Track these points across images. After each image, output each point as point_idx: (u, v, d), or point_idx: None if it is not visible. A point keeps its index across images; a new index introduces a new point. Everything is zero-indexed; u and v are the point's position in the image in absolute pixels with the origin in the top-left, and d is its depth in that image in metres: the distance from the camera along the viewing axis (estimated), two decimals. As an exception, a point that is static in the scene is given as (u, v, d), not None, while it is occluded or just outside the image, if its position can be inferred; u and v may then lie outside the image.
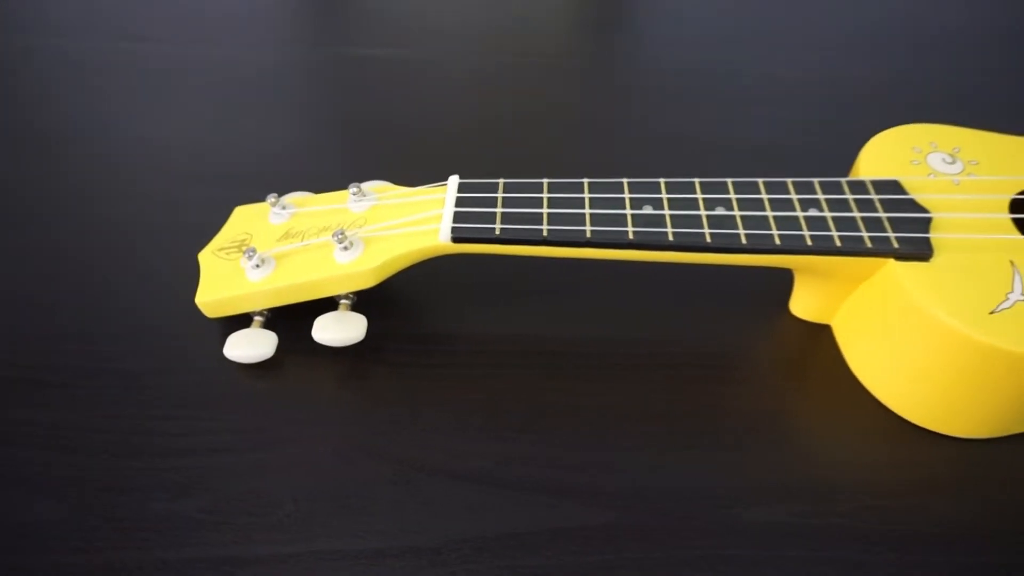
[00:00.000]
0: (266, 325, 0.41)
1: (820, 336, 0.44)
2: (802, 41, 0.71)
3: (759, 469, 0.38)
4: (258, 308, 0.41)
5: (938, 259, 0.37)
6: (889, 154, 0.43)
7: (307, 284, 0.40)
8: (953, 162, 0.43)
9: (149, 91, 0.62)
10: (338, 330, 0.39)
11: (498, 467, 0.38)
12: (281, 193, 0.44)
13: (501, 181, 0.41)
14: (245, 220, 0.44)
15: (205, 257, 0.42)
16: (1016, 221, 0.39)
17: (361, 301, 0.42)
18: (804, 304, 0.44)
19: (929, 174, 0.42)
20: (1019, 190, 0.41)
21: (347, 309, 0.40)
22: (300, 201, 0.44)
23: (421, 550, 0.35)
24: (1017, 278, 0.36)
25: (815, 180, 0.41)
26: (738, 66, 0.67)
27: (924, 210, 0.39)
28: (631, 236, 0.38)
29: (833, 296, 0.42)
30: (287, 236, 0.42)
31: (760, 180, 0.41)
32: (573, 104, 0.63)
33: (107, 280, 0.46)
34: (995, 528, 0.36)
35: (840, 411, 0.41)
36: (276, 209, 0.43)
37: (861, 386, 0.41)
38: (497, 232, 0.39)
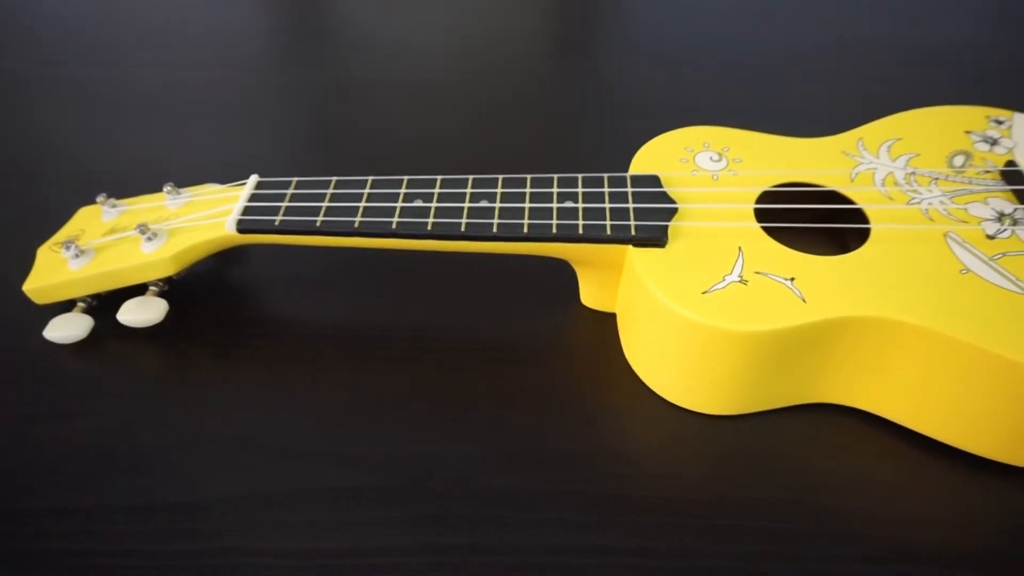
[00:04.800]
0: (92, 312, 0.46)
1: (607, 323, 0.47)
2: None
3: (522, 442, 0.41)
4: (79, 295, 0.45)
5: (672, 245, 0.40)
6: (663, 153, 0.46)
7: (116, 272, 0.44)
8: (719, 160, 0.46)
9: (57, 108, 0.68)
10: (138, 312, 0.43)
11: (269, 435, 0.41)
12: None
13: (295, 179, 0.45)
14: (84, 219, 0.49)
15: (42, 251, 0.47)
16: (757, 211, 0.42)
17: (187, 291, 0.46)
18: (588, 294, 0.47)
19: (693, 170, 0.45)
20: (772, 184, 0.44)
21: (154, 295, 0.45)
22: (130, 200, 0.49)
23: (184, 505, 0.38)
24: (740, 262, 0.39)
25: (579, 175, 0.44)
26: (693, 82, 0.71)
27: (672, 201, 0.42)
28: (394, 226, 0.42)
29: (608, 285, 0.45)
30: (111, 231, 0.46)
31: (528, 176, 0.44)
32: (533, 117, 0.68)
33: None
34: (721, 494, 0.39)
35: (609, 390, 0.44)
36: (106, 208, 0.48)
37: (630, 367, 0.44)
38: (276, 223, 0.43)
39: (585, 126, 0.67)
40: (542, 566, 0.36)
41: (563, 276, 0.47)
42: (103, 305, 0.46)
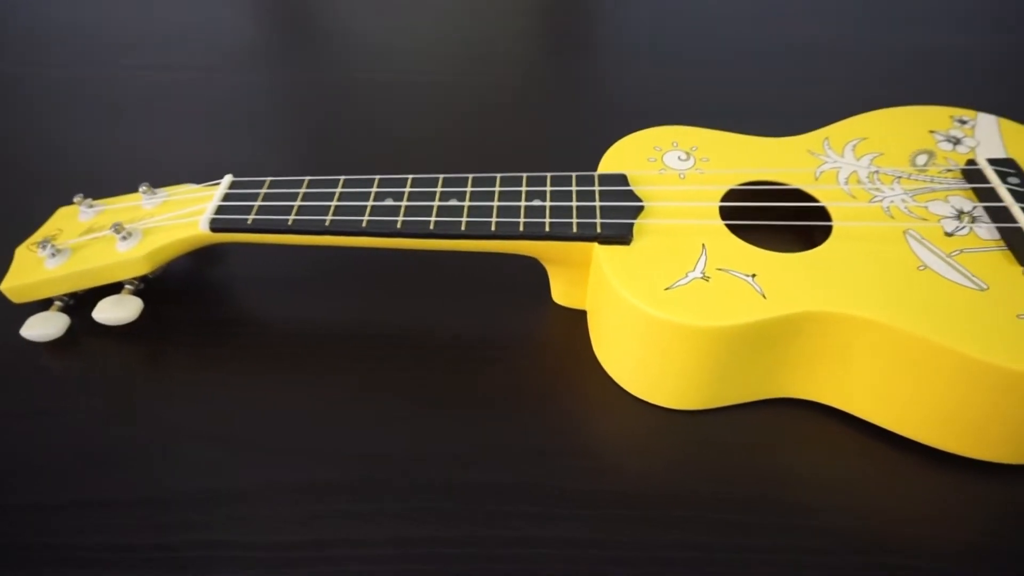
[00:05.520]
0: (68, 310, 0.46)
1: (577, 320, 0.48)
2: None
3: (491, 438, 0.42)
4: (56, 293, 0.46)
5: (638, 243, 0.41)
6: (632, 152, 0.47)
7: (91, 270, 0.45)
8: (687, 159, 0.46)
9: (45, 108, 0.69)
10: (113, 310, 0.44)
11: (243, 431, 0.42)
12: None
13: (268, 179, 0.46)
14: (62, 219, 0.49)
15: (20, 251, 0.48)
16: (722, 209, 0.43)
17: (164, 290, 0.47)
18: (559, 291, 0.48)
19: (661, 169, 0.46)
20: (739, 182, 0.45)
21: (128, 294, 0.45)
22: (106, 201, 0.49)
23: (158, 500, 0.39)
24: (703, 259, 0.40)
25: (548, 174, 0.45)
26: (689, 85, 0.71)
27: (639, 199, 0.43)
28: (364, 225, 0.43)
29: (578, 282, 0.46)
30: (88, 231, 0.47)
31: (498, 175, 0.45)
32: (521, 117, 0.69)
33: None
34: (687, 488, 0.39)
35: (578, 386, 0.44)
36: (83, 208, 0.48)
37: (599, 363, 0.45)
38: (249, 222, 0.43)
39: (573, 126, 0.67)
40: (507, 558, 0.36)
41: (535, 274, 0.48)
42: (80, 304, 0.47)
